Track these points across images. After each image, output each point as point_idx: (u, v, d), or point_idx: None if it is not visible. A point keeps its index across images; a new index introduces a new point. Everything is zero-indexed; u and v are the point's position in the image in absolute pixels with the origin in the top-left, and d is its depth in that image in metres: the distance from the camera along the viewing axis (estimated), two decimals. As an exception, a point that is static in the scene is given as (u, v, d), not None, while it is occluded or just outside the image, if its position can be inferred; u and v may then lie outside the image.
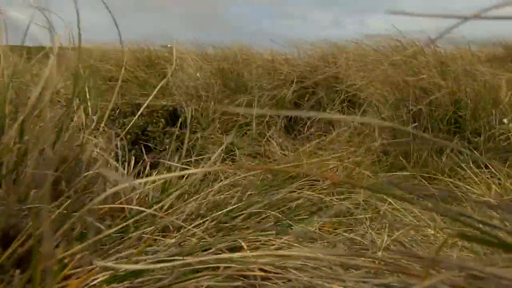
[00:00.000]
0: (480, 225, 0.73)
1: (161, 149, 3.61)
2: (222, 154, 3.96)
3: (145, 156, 3.53)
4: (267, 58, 6.32)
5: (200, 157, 3.79)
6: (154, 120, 4.04)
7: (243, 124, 4.72)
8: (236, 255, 1.17)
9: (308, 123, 4.90)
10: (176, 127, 4.00)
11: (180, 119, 4.05)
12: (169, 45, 9.40)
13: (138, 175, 2.37)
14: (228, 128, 4.68)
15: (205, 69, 5.61)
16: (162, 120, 3.97)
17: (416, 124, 4.09)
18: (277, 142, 4.62)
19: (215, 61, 6.26)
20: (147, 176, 2.14)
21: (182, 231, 1.66)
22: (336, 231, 2.68)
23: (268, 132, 4.70)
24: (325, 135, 4.87)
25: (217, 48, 8.09)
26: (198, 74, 5.30)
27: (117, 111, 4.09)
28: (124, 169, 2.41)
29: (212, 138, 4.26)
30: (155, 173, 2.31)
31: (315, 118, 5.00)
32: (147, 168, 2.25)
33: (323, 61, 5.82)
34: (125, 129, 3.78)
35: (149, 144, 3.67)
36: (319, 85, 5.24)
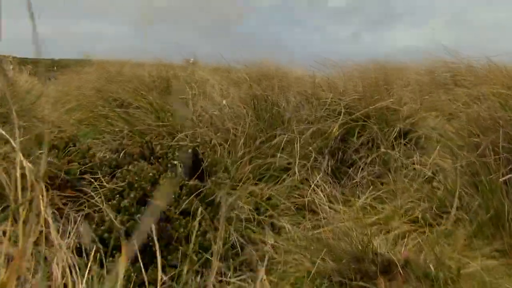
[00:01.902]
0: None
1: (177, 212, 2.68)
2: (255, 214, 3.03)
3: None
4: (307, 80, 5.41)
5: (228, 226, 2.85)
6: (169, 165, 3.12)
7: (281, 168, 3.78)
8: None
9: (361, 165, 3.95)
10: (196, 178, 3.08)
11: (201, 166, 3.13)
12: (191, 60, 8.56)
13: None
14: (262, 172, 3.74)
15: (233, 95, 4.69)
16: (179, 166, 3.05)
17: (510, 175, 3.11)
18: (323, 191, 3.67)
19: (244, 83, 5.36)
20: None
21: None
22: None
23: (311, 177, 3.76)
24: (380, 182, 3.92)
25: (243, 65, 7.21)
26: (224, 102, 4.38)
27: (122, 153, 3.18)
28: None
29: (241, 186, 3.33)
30: None
31: (367, 160, 4.05)
32: None
33: (372, 86, 4.88)
34: (127, 181, 2.88)
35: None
36: (372, 117, 4.29)
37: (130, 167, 3.03)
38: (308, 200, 3.53)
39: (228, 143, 3.81)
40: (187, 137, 4.02)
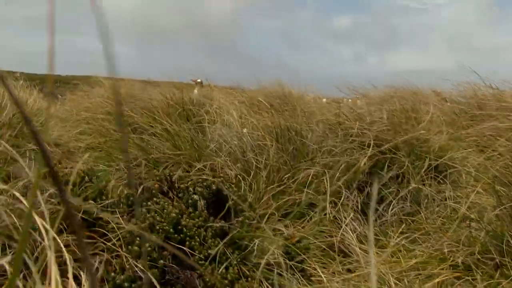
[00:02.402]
0: None
1: (202, 258, 2.43)
2: (287, 260, 2.78)
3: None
4: (323, 106, 5.19)
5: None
6: (190, 201, 2.87)
7: (306, 204, 3.53)
8: None
9: (394, 201, 3.70)
10: (221, 217, 2.84)
11: (227, 204, 2.88)
12: (199, 80, 8.36)
13: None
14: (287, 208, 3.49)
15: (252, 122, 4.46)
16: (202, 204, 2.81)
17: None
18: (352, 229, 3.43)
19: (262, 108, 5.15)
20: None
21: None
22: None
23: (340, 214, 3.51)
24: (411, 220, 3.67)
25: (256, 87, 7.02)
26: (245, 130, 4.14)
27: (140, 188, 2.94)
28: None
29: (266, 225, 3.07)
30: None
31: (397, 196, 3.80)
32: None
33: (399, 115, 4.65)
34: (148, 223, 2.63)
35: (184, 248, 2.49)
36: (401, 149, 4.05)
37: (149, 203, 2.79)
38: (336, 240, 3.29)
39: (251, 175, 3.57)
40: (205, 168, 3.79)
